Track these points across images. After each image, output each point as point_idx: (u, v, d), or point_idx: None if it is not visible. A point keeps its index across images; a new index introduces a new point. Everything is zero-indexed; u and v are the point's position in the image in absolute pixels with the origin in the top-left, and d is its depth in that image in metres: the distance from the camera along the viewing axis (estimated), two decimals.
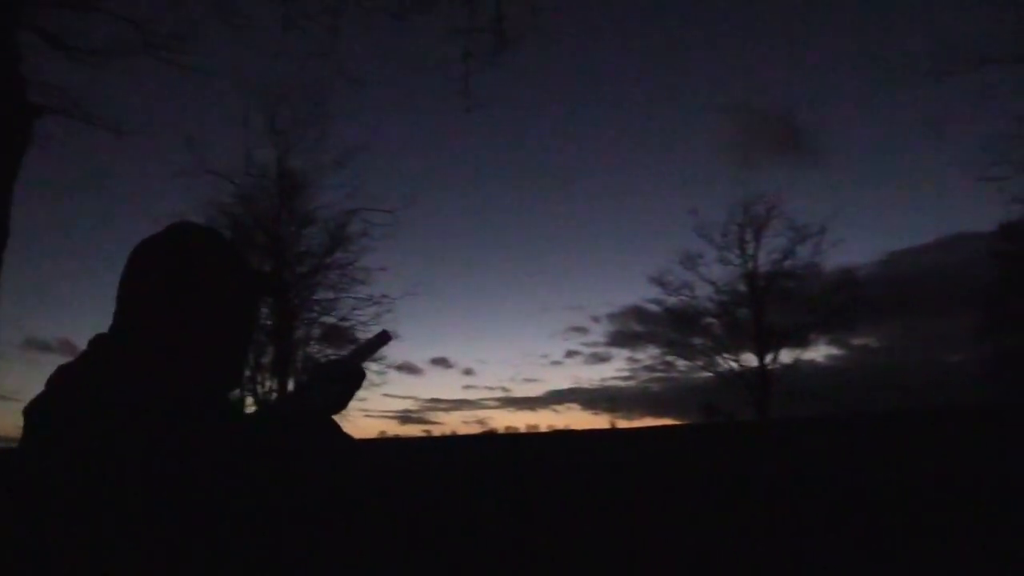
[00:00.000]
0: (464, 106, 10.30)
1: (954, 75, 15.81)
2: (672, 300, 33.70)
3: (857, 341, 47.33)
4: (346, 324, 21.93)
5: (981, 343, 35.69)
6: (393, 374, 31.05)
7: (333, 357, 1.53)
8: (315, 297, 21.89)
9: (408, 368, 50.16)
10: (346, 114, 39.60)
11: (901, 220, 61.78)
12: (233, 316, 1.29)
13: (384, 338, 1.60)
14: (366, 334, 21.78)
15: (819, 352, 57.86)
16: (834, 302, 31.09)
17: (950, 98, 26.92)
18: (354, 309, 21.89)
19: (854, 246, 50.25)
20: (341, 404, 1.44)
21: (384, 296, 21.57)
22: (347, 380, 1.44)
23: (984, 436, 22.82)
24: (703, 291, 33.76)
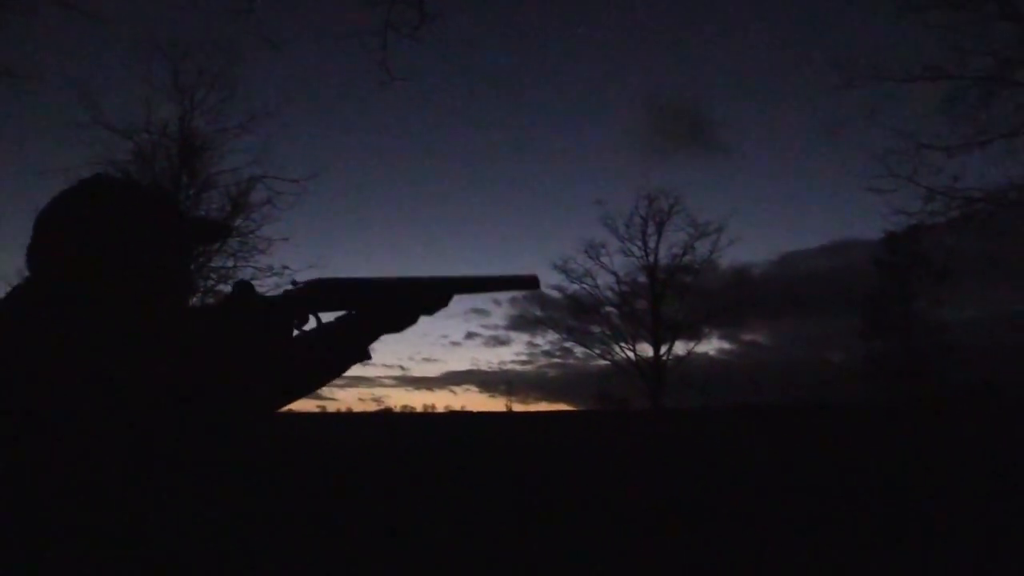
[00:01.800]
0: (381, 78, 10.18)
1: (852, 88, 16.62)
2: (574, 287, 34.34)
3: (747, 337, 49.23)
4: None
5: (861, 345, 37.65)
6: None
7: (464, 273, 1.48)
8: (212, 264, 21.14)
9: None
10: (257, 77, 38.40)
11: (796, 222, 64.28)
12: (160, 267, 1.26)
13: (531, 283, 1.49)
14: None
15: (711, 345, 59.93)
16: (728, 298, 32.32)
17: (847, 109, 28.13)
18: (253, 279, 21.20)
19: (751, 245, 52.22)
20: (401, 324, 1.45)
21: (285, 267, 20.98)
22: (419, 300, 1.44)
23: (857, 432, 24.08)
24: (604, 280, 34.55)
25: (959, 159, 16.27)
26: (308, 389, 1.38)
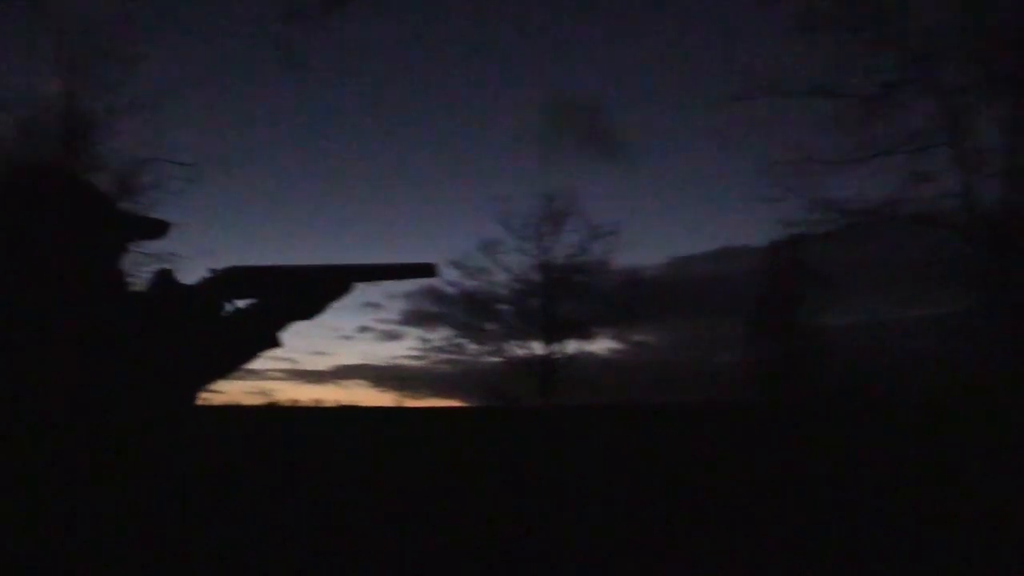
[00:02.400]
0: (284, 64, 9.92)
1: (746, 100, 17.26)
2: (469, 284, 34.35)
3: (637, 337, 50.20)
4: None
5: (745, 347, 39.05)
6: None
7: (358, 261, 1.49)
8: None
9: None
10: (154, 56, 36.45)
11: (687, 227, 65.81)
12: (91, 262, 1.22)
13: (430, 271, 1.49)
14: None
15: (601, 345, 60.83)
16: (619, 299, 33.02)
17: (740, 120, 29.10)
18: (137, 264, 20.38)
19: (643, 247, 53.19)
20: (310, 312, 1.45)
21: (172, 254, 20.24)
22: (326, 288, 1.44)
23: (738, 431, 24.90)
24: (499, 278, 34.65)
25: (841, 173, 17.11)
26: (219, 377, 1.39)
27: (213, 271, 1.40)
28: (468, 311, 34.59)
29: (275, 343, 1.41)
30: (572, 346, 33.50)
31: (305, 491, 10.61)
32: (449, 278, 33.19)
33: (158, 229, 1.37)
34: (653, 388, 40.07)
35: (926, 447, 16.70)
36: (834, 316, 37.17)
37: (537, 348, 33.27)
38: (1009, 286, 14.86)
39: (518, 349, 33.61)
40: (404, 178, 67.13)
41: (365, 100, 66.85)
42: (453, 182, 67.69)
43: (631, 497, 10.16)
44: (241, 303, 1.42)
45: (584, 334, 33.64)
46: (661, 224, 67.91)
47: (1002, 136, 15.15)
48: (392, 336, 70.82)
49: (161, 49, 33.25)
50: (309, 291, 1.43)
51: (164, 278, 1.35)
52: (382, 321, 64.64)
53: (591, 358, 36.04)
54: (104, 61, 19.77)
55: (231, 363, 1.38)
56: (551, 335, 32.89)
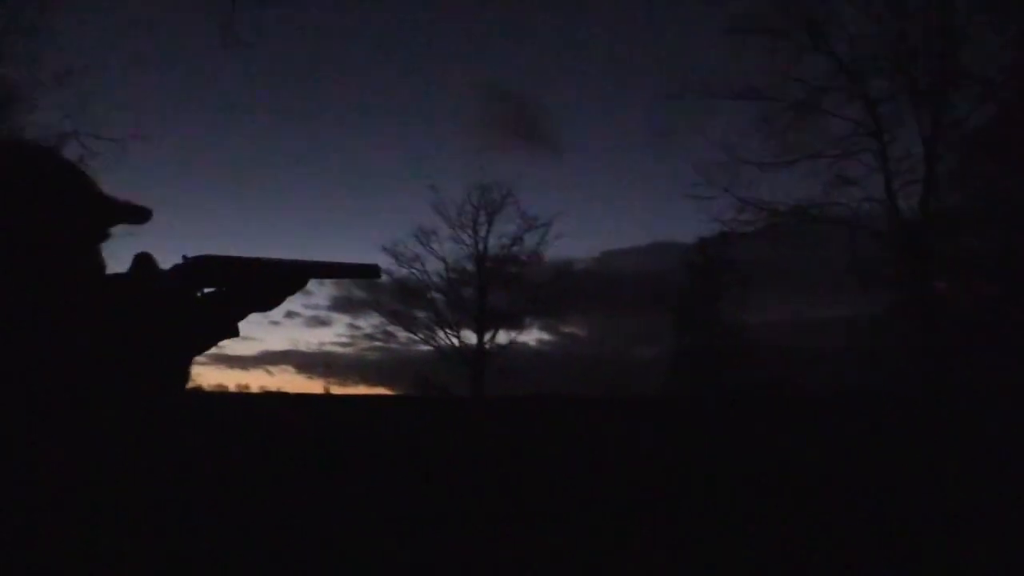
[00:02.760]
0: (224, 43, 9.80)
1: (681, 99, 17.67)
2: (402, 271, 34.17)
3: (566, 329, 50.60)
4: None
5: (670, 341, 39.83)
6: None
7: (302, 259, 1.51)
8: None
9: None
10: (80, 27, 35.02)
11: (618, 222, 66.48)
12: (73, 245, 1.21)
13: (374, 272, 1.54)
14: None
15: (532, 336, 60.89)
16: (551, 291, 33.29)
17: (674, 119, 29.71)
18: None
19: (575, 240, 53.37)
20: (269, 303, 1.45)
21: None
22: (285, 281, 1.46)
23: (660, 424, 25.41)
24: (433, 266, 34.55)
25: (769, 174, 17.70)
26: (184, 361, 1.38)
27: (185, 258, 1.41)
28: (400, 299, 34.42)
29: (234, 332, 1.43)
30: (503, 336, 33.68)
31: (236, 483, 10.55)
32: (382, 265, 32.86)
33: (140, 215, 1.36)
34: (580, 380, 40.53)
35: (842, 441, 17.36)
36: (756, 313, 38.30)
37: (469, 337, 33.35)
38: (925, 289, 15.61)
39: (450, 338, 33.63)
40: (340, 163, 66.12)
41: (301, 83, 65.60)
42: (390, 169, 66.86)
43: (557, 490, 10.37)
44: (206, 291, 1.42)
45: (515, 324, 33.86)
46: (593, 217, 68.47)
47: (923, 145, 15.89)
48: (321, 322, 69.73)
49: (89, 24, 32.02)
50: (274, 284, 1.45)
51: (144, 263, 1.33)
52: (310, 307, 63.54)
53: (522, 348, 36.33)
54: (23, 31, 19.04)
55: (195, 349, 1.39)
56: (483, 325, 33.01)
